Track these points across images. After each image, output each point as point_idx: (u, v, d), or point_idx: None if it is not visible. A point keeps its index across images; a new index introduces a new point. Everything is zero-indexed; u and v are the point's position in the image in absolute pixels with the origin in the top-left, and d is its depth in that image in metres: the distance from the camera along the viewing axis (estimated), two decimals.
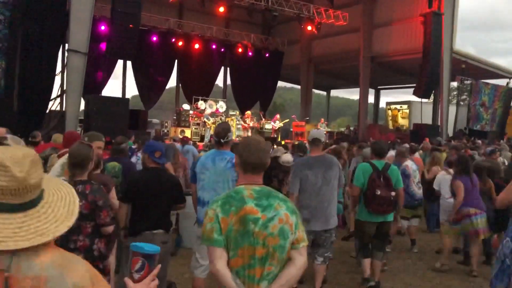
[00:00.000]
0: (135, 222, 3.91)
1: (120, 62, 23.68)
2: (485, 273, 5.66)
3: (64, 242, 3.00)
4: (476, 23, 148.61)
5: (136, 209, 3.95)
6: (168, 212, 4.09)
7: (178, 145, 9.43)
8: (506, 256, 3.34)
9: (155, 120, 26.16)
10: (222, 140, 4.14)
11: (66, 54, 15.11)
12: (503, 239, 3.64)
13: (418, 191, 6.95)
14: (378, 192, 4.84)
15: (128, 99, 18.76)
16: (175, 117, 22.39)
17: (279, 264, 2.16)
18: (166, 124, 22.63)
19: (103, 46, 17.86)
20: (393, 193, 4.90)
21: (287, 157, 6.13)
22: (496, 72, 23.69)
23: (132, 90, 25.07)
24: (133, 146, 9.17)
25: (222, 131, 4.19)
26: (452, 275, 5.97)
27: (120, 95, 24.31)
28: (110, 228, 3.29)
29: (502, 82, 24.17)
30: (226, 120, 21.69)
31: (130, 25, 15.18)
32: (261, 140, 2.39)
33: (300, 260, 2.18)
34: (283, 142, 14.87)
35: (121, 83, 25.84)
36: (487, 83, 22.99)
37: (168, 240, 3.98)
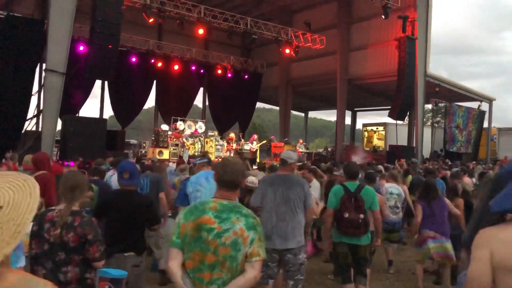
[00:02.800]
0: (107, 245, 3.86)
1: (98, 82, 23.57)
2: None
3: (58, 272, 2.95)
4: (446, 48, 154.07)
5: (108, 231, 3.88)
6: (140, 234, 4.00)
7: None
8: None
9: (133, 141, 25.98)
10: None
11: (43, 74, 15.00)
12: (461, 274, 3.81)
13: (392, 215, 6.97)
14: (346, 215, 4.79)
15: (105, 119, 18.63)
16: (153, 138, 22.28)
17: (229, 272, 2.35)
18: (144, 144, 22.48)
19: (81, 66, 17.78)
20: (361, 216, 4.80)
21: (251, 178, 6.27)
22: (468, 95, 24.43)
23: (110, 110, 25.04)
24: (110, 168, 9.07)
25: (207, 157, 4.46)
26: None
27: (98, 115, 24.12)
28: (101, 264, 3.13)
29: (473, 104, 24.94)
30: (206, 141, 21.71)
31: (109, 46, 15.17)
32: (238, 161, 2.70)
33: (250, 272, 2.36)
34: (263, 162, 14.94)
35: (99, 103, 25.69)
36: (460, 106, 23.69)
37: (139, 263, 3.92)
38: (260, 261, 2.41)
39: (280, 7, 25.77)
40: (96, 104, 27.19)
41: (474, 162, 18.64)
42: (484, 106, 25.05)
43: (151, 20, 18.33)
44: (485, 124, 25.43)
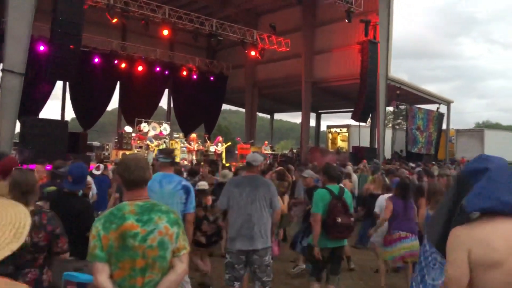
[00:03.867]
0: None
1: (59, 83, 22.96)
2: None
3: (18, 275, 2.87)
4: (407, 52, 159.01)
5: None
6: (81, 238, 3.84)
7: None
8: None
9: (95, 143, 25.43)
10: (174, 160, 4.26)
11: (0, 74, 14.49)
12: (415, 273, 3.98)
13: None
14: (339, 220, 4.74)
15: (67, 121, 18.16)
16: (116, 140, 21.86)
17: (160, 272, 2.34)
18: (107, 147, 22.03)
19: (41, 66, 17.25)
20: (352, 219, 4.88)
21: (201, 182, 6.45)
22: (428, 98, 25.25)
23: (72, 112, 24.28)
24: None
25: (173, 151, 4.31)
26: None
27: (59, 117, 23.47)
28: (67, 255, 3.12)
29: (432, 107, 25.79)
30: (171, 143, 21.49)
31: (71, 46, 14.81)
32: (139, 157, 2.62)
33: (180, 266, 2.37)
34: (227, 164, 14.93)
35: (60, 104, 25.01)
36: (420, 108, 24.44)
37: (82, 267, 3.85)
38: (187, 254, 2.42)
39: (245, 10, 25.88)
40: (57, 106, 26.46)
41: (434, 163, 19.25)
42: (443, 109, 25.97)
43: (114, 20, 18.03)
44: (444, 126, 26.32)
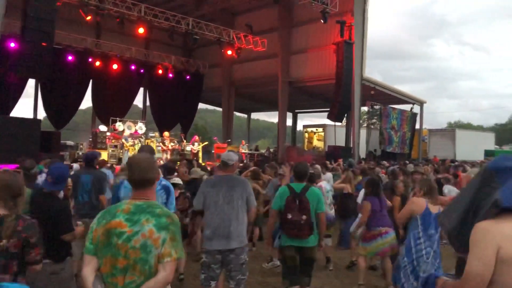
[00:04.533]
0: None
1: (31, 81, 22.45)
2: None
3: None
4: (381, 53, 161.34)
5: None
6: (57, 241, 3.82)
7: None
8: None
9: (69, 142, 24.90)
10: None
11: None
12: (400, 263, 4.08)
13: (330, 211, 7.28)
14: (289, 216, 4.83)
15: (39, 120, 17.77)
16: (90, 139, 21.51)
17: (142, 275, 2.30)
18: (81, 146, 21.66)
19: (13, 64, 16.82)
20: (304, 217, 4.81)
21: (176, 178, 6.47)
22: (401, 98, 25.69)
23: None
24: (44, 170, 8.68)
25: (148, 152, 4.26)
26: None
27: (31, 116, 22.95)
28: (39, 267, 3.01)
29: (406, 107, 26.27)
30: (146, 142, 21.26)
31: (43, 43, 14.51)
32: (143, 158, 2.59)
33: (161, 274, 2.31)
34: (203, 164, 14.90)
35: (32, 103, 24.45)
36: (394, 108, 24.85)
37: (60, 270, 3.79)
38: (171, 262, 2.33)
39: (221, 9, 25.78)
40: (29, 104, 25.83)
41: (407, 162, 19.63)
42: (416, 109, 26.45)
43: (88, 17, 17.73)
44: (417, 126, 26.83)
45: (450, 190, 7.99)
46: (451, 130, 33.28)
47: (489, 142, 32.27)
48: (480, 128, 66.33)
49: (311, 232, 4.87)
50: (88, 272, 2.34)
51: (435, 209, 4.61)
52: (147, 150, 4.48)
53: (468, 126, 66.25)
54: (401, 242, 6.37)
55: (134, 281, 2.30)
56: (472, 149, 29.58)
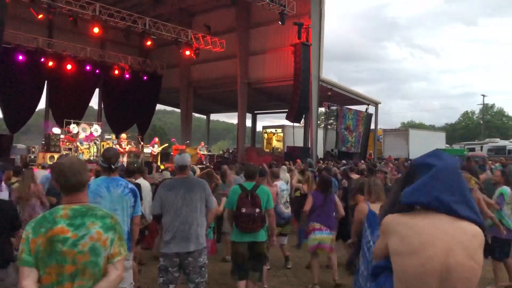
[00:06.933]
0: None
1: None
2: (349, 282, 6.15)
3: None
4: (336, 54, 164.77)
5: None
6: (1, 244, 3.73)
7: (47, 173, 8.75)
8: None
9: (20, 145, 24.02)
10: (113, 166, 4.16)
11: None
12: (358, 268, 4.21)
13: (285, 210, 7.43)
14: (243, 210, 5.05)
15: None
16: (43, 142, 20.75)
17: (92, 278, 2.28)
18: (33, 149, 20.87)
19: None
20: (257, 210, 5.07)
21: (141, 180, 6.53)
22: (357, 99, 26.30)
23: None
24: None
25: (114, 156, 4.21)
26: None
27: None
28: None
29: (361, 108, 26.92)
30: (102, 145, 20.77)
31: None
32: (74, 161, 2.52)
33: (113, 273, 2.33)
34: (162, 166, 14.71)
35: None
36: (350, 109, 25.41)
37: (3, 277, 3.67)
38: (121, 260, 2.38)
39: (178, 9, 25.56)
40: None
41: (362, 161, 20.12)
42: (371, 109, 27.15)
43: (40, 16, 17.12)
44: (372, 126, 27.55)
45: None
46: (404, 130, 34.29)
47: (440, 141, 33.44)
48: (432, 128, 68.91)
49: (262, 225, 5.14)
50: (29, 284, 2.21)
51: (378, 207, 4.60)
52: (114, 151, 4.37)
53: (420, 126, 68.53)
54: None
55: (83, 285, 2.27)
56: (424, 148, 30.14)
